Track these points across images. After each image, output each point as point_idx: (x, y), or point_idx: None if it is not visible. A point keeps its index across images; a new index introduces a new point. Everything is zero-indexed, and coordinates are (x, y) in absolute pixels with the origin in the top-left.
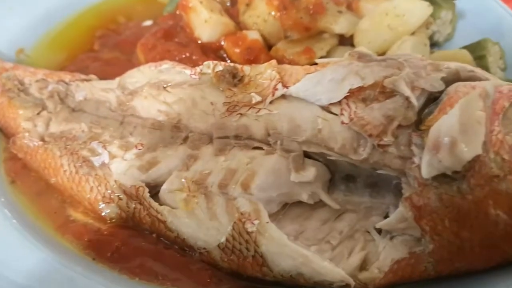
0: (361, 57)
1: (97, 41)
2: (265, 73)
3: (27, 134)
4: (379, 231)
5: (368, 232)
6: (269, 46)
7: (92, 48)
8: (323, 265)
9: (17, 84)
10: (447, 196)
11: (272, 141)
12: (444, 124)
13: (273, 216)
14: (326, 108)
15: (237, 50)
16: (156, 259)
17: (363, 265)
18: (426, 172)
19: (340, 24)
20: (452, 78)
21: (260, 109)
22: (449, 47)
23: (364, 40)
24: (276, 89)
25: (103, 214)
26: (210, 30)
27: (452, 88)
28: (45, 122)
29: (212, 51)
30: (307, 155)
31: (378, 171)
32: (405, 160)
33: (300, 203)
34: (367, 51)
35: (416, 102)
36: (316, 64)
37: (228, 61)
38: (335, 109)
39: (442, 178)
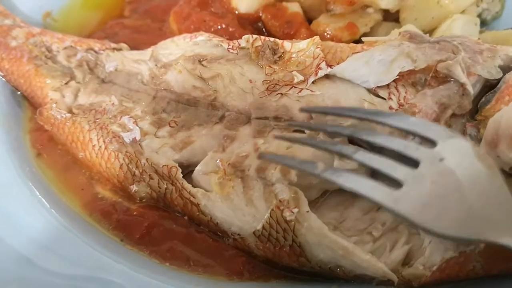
0: (413, 37)
1: (127, 6)
2: (308, 50)
3: (54, 105)
4: None
5: None
6: (308, 19)
7: (121, 14)
8: (365, 259)
9: (44, 51)
10: None
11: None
12: (504, 116)
13: (312, 204)
14: (373, 91)
15: (276, 23)
16: (187, 243)
17: (406, 260)
18: None
19: None
20: (509, 65)
21: (302, 89)
22: (497, 26)
23: (411, 16)
24: (320, 68)
25: (132, 193)
26: (249, 0)
27: (510, 76)
28: (73, 93)
29: (249, 23)
30: (350, 140)
31: None
32: None
33: (340, 190)
34: (419, 31)
35: (472, 90)
36: (361, 42)
37: (266, 34)
38: (383, 93)
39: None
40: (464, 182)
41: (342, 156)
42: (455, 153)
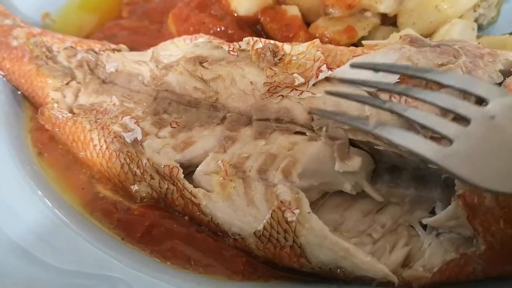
0: (413, 41)
1: (125, 8)
2: (308, 53)
3: (55, 105)
4: (424, 226)
5: (412, 227)
6: (307, 22)
7: (119, 15)
8: (366, 260)
9: (45, 51)
10: (503, 196)
11: (316, 127)
12: None
13: (311, 205)
14: (373, 94)
15: (275, 26)
16: (188, 243)
17: (406, 262)
18: None
19: (385, 3)
20: (509, 70)
21: (302, 91)
22: (492, 31)
23: (409, 21)
24: (321, 71)
25: (133, 193)
26: (248, 3)
27: (511, 80)
28: (74, 93)
29: (248, 25)
30: (351, 143)
31: (429, 165)
32: None
33: (340, 192)
34: (418, 35)
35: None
36: (360, 45)
37: (265, 36)
38: (384, 96)
39: None
40: None
41: (392, 113)
42: (506, 111)
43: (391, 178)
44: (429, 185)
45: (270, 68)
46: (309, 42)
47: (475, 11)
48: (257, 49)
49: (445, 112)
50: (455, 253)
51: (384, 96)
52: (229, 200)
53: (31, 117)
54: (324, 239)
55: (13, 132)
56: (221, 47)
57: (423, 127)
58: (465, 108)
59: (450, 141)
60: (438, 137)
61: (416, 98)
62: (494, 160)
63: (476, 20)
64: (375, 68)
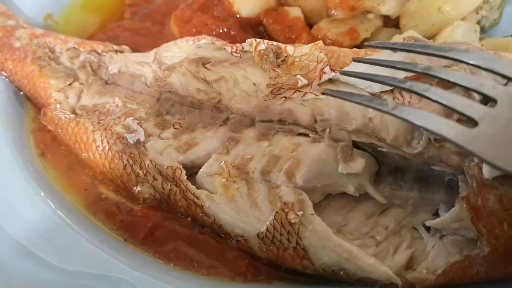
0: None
1: (128, 9)
2: (311, 54)
3: (58, 105)
4: (427, 228)
5: (415, 229)
6: (309, 24)
7: (122, 16)
8: (369, 263)
9: (47, 52)
10: (507, 198)
11: (319, 129)
12: None
13: (315, 207)
14: (377, 96)
15: (278, 27)
16: (190, 244)
17: (409, 264)
18: (488, 171)
19: (388, 4)
20: None
21: (306, 92)
22: (495, 33)
23: (411, 22)
24: (324, 73)
25: (136, 194)
26: (250, 4)
27: None
28: (76, 94)
29: (250, 27)
30: (355, 144)
31: (432, 167)
32: (464, 157)
33: (343, 194)
34: (421, 37)
35: (477, 95)
36: (364, 47)
37: (267, 38)
38: (387, 97)
39: (503, 179)
40: None
41: (413, 93)
42: None
43: (394, 180)
44: (432, 187)
45: (273, 70)
46: (312, 44)
47: (477, 13)
48: (260, 50)
49: (469, 92)
50: (458, 255)
51: (387, 97)
52: (232, 202)
53: (34, 117)
54: (327, 241)
55: (15, 132)
56: (224, 48)
57: (446, 108)
58: (491, 88)
59: (475, 122)
60: (462, 119)
61: (439, 78)
62: None
63: (478, 22)
64: (392, 48)
